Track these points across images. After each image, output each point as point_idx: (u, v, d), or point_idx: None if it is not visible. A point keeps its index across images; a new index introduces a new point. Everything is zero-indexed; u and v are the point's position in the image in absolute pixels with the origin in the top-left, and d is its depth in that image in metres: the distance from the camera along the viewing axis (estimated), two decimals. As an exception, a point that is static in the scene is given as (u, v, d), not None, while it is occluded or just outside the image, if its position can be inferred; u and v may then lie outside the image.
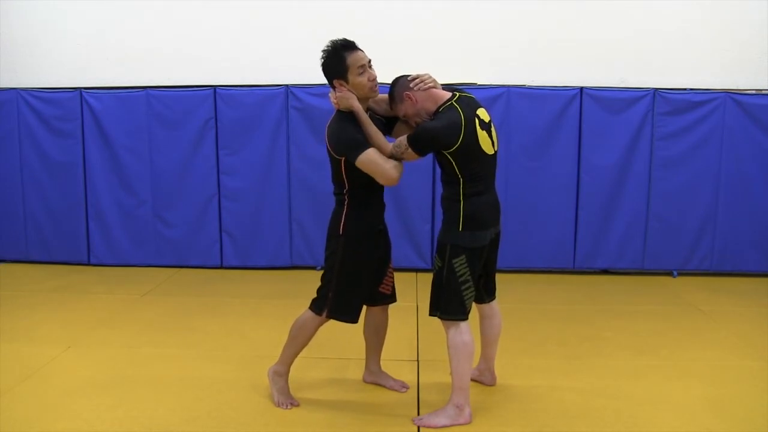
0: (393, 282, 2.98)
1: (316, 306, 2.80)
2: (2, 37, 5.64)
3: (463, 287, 2.63)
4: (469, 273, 2.63)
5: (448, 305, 2.65)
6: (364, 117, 2.61)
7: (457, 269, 2.62)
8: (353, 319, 2.79)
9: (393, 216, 5.24)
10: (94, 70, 5.58)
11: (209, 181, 5.42)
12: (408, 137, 2.57)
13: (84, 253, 5.61)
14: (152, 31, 5.52)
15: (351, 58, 2.57)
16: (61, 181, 5.54)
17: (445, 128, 2.51)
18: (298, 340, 2.86)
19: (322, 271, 2.82)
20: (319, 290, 2.81)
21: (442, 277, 2.66)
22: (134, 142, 5.42)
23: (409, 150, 2.56)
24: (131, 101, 5.39)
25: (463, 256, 2.61)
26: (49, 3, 5.55)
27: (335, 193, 2.77)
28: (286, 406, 2.86)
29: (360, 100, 2.63)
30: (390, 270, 2.96)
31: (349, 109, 2.61)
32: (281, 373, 2.91)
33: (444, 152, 2.54)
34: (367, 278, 2.80)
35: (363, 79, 2.59)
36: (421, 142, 2.55)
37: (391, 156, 2.59)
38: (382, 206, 2.83)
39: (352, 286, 2.76)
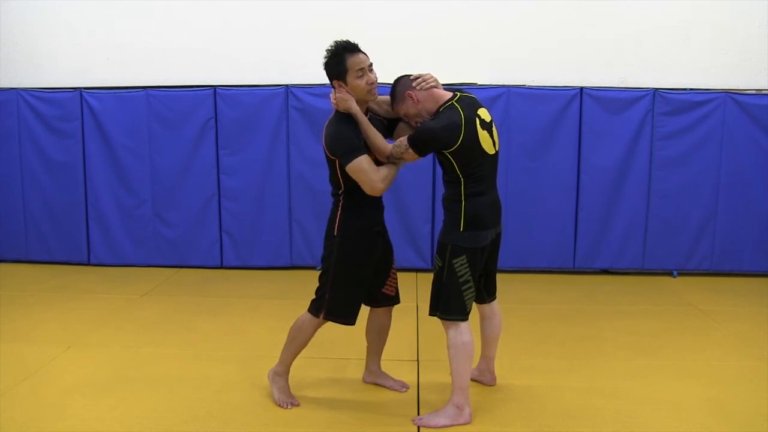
0: (396, 283, 2.98)
1: (314, 308, 2.80)
2: (2, 37, 5.64)
3: (464, 287, 2.63)
4: (469, 273, 2.63)
5: (448, 305, 2.64)
6: (362, 119, 2.61)
7: (457, 269, 2.62)
8: (350, 321, 2.79)
9: (393, 216, 5.24)
10: (94, 70, 5.58)
11: (209, 181, 5.42)
12: (408, 138, 2.57)
13: (84, 253, 5.61)
14: (152, 31, 5.52)
15: (351, 61, 2.57)
16: (61, 181, 5.54)
17: (445, 128, 2.51)
18: (297, 342, 2.86)
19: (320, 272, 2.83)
20: (316, 292, 2.81)
21: (443, 278, 2.65)
22: (134, 142, 5.42)
23: (410, 150, 2.56)
24: (131, 101, 5.39)
25: (464, 257, 2.61)
26: (49, 3, 5.55)
27: (332, 194, 2.77)
28: (287, 405, 2.86)
29: (359, 102, 2.63)
30: (393, 271, 2.95)
31: (347, 110, 2.60)
32: (281, 373, 2.92)
33: (444, 152, 2.55)
34: (364, 280, 2.79)
35: (361, 82, 2.58)
36: (421, 142, 2.55)
37: (390, 156, 2.60)
38: (380, 207, 2.83)
39: (348, 288, 2.75)
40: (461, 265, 2.61)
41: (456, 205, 2.62)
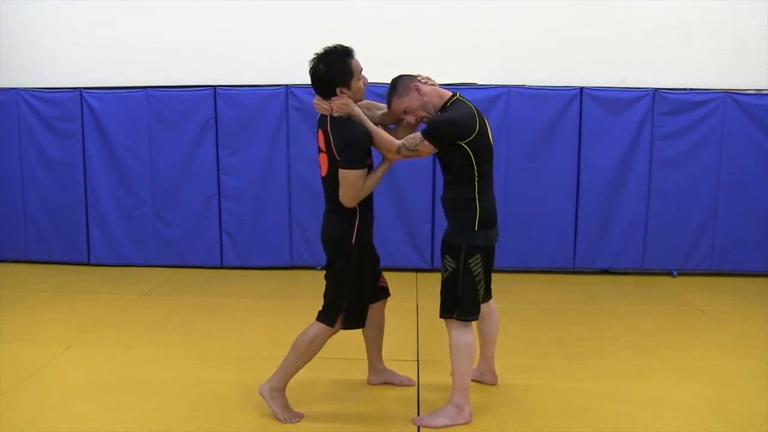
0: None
1: (328, 317, 2.69)
2: (2, 37, 5.64)
3: (479, 286, 2.65)
4: (482, 272, 2.65)
5: (467, 306, 2.63)
6: (367, 120, 2.60)
7: (473, 269, 2.61)
8: (363, 324, 2.79)
9: (393, 216, 5.26)
10: (94, 70, 5.57)
11: (209, 181, 5.42)
12: (423, 131, 2.56)
13: (84, 253, 5.61)
14: (152, 31, 5.51)
15: (354, 64, 2.58)
16: (61, 181, 5.53)
17: (464, 117, 2.54)
18: (306, 357, 2.72)
19: (324, 277, 2.75)
20: (329, 302, 2.71)
21: (458, 279, 2.62)
22: (134, 142, 5.42)
23: (425, 142, 2.53)
24: (131, 101, 5.39)
25: (478, 256, 2.62)
26: (49, 3, 5.55)
27: (337, 201, 2.61)
28: (295, 420, 2.73)
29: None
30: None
31: (349, 114, 2.56)
32: (280, 389, 2.76)
33: (462, 143, 2.53)
34: (369, 281, 2.83)
35: (361, 83, 2.62)
36: (440, 132, 2.54)
37: (400, 149, 2.56)
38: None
39: (362, 294, 2.75)
40: (476, 264, 2.61)
41: (470, 204, 2.59)
